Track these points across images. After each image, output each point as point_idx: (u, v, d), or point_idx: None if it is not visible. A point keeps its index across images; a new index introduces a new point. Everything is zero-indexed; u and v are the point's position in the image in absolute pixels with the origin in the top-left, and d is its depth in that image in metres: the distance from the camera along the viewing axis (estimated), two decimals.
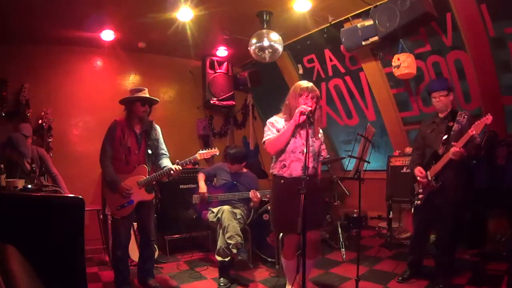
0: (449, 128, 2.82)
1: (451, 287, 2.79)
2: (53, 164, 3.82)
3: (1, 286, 0.98)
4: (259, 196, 3.54)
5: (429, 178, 2.84)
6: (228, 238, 3.13)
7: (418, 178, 2.91)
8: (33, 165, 3.64)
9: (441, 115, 2.94)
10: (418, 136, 3.13)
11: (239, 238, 3.15)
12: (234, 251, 3.13)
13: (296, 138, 2.55)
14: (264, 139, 2.61)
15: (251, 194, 3.53)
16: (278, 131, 2.58)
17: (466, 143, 2.57)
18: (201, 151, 3.22)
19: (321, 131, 2.71)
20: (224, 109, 5.66)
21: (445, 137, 2.80)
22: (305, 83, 2.60)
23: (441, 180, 2.78)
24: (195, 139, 5.60)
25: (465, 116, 2.81)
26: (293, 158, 2.53)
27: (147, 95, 3.08)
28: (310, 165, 2.52)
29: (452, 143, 2.64)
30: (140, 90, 3.08)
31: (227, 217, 3.23)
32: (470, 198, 2.94)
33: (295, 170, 2.52)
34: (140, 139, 3.08)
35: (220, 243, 3.19)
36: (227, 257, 3.17)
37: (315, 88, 2.62)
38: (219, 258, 3.19)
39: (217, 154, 3.28)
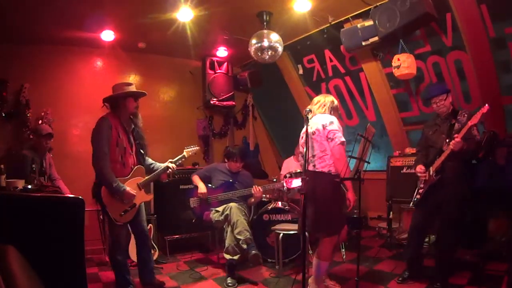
0: (451, 127, 2.86)
1: (449, 286, 2.79)
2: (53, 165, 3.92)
3: (1, 286, 0.98)
4: (261, 191, 3.57)
5: (431, 173, 2.92)
6: (238, 233, 3.13)
7: (418, 174, 2.99)
8: (44, 167, 3.68)
9: (442, 116, 2.99)
10: (422, 137, 3.20)
11: (248, 234, 3.15)
12: (244, 246, 3.12)
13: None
14: (342, 139, 2.64)
15: (254, 189, 3.54)
16: None
17: (466, 136, 2.65)
18: (187, 148, 3.30)
19: None
20: (224, 110, 5.66)
21: (448, 135, 2.85)
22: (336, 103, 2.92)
23: (441, 174, 2.85)
24: (195, 139, 5.58)
25: (465, 115, 2.86)
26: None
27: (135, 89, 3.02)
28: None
29: (454, 135, 2.70)
30: (129, 84, 2.96)
31: (236, 213, 3.24)
32: (468, 197, 2.96)
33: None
34: (131, 138, 3.00)
35: (228, 241, 3.19)
36: (236, 255, 3.17)
37: None
38: (227, 257, 3.18)
39: (198, 148, 3.39)
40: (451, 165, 2.81)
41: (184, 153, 3.23)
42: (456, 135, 2.68)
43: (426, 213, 2.99)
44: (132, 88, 2.97)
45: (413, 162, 3.26)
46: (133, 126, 3.02)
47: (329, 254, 2.72)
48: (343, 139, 2.64)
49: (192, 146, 3.36)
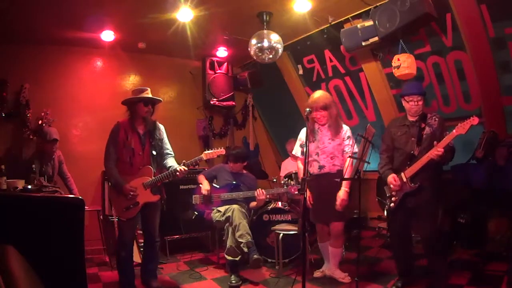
0: (421, 130, 2.80)
1: (448, 286, 2.78)
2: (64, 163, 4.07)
3: (1, 286, 0.98)
4: (265, 194, 3.53)
5: (404, 180, 2.78)
6: (239, 236, 3.14)
7: (391, 186, 2.85)
8: (44, 168, 3.70)
9: (411, 119, 2.90)
10: (387, 137, 3.02)
11: (249, 237, 3.16)
12: (245, 249, 3.13)
13: (311, 142, 3.08)
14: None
15: (258, 192, 3.52)
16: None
17: (446, 147, 2.57)
18: (206, 151, 3.19)
19: (346, 129, 3.16)
20: (224, 110, 5.66)
21: (419, 139, 2.79)
22: (311, 97, 3.12)
23: (418, 181, 2.73)
24: (195, 139, 5.60)
25: (436, 119, 2.82)
26: (310, 159, 3.09)
27: (150, 95, 3.07)
28: (326, 164, 3.09)
29: (435, 142, 2.62)
30: (142, 91, 3.06)
31: (238, 216, 3.24)
32: (443, 202, 2.92)
33: (313, 168, 3.14)
34: (144, 140, 3.06)
35: (230, 242, 3.20)
36: (237, 256, 3.17)
37: (320, 99, 3.06)
38: (229, 258, 3.19)
39: (224, 153, 3.25)
40: (427, 173, 2.71)
41: (202, 155, 3.12)
42: (437, 144, 2.59)
43: (403, 219, 2.90)
44: (145, 94, 3.05)
45: (379, 166, 3.04)
46: (148, 129, 3.08)
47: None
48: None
49: (215, 149, 3.21)
